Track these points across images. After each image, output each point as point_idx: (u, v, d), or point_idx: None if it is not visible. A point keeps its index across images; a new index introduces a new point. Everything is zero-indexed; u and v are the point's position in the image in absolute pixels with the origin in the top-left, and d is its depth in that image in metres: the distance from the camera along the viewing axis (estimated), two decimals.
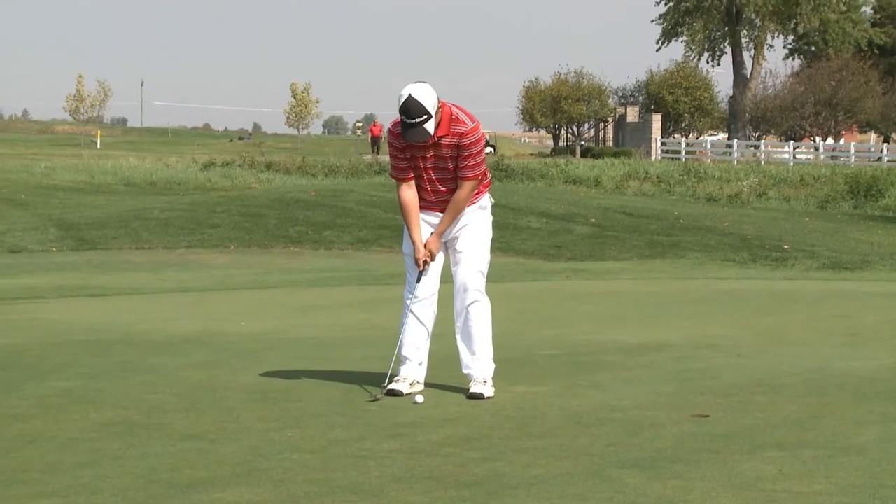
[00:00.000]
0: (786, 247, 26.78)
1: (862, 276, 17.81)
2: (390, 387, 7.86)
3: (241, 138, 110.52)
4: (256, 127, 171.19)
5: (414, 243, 7.86)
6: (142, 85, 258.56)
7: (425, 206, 7.90)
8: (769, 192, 46.98)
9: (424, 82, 7.64)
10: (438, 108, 7.65)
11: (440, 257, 7.96)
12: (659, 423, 7.05)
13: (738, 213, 38.04)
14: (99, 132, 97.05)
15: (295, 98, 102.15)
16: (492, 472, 5.92)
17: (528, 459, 6.16)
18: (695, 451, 6.33)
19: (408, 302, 7.98)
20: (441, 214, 7.88)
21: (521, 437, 6.70)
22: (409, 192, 7.85)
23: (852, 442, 6.54)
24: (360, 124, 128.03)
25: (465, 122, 7.75)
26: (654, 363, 9.26)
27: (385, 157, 53.36)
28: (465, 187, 7.81)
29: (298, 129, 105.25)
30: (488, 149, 78.39)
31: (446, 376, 8.15)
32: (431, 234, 7.87)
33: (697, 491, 5.53)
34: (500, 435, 6.77)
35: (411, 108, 7.55)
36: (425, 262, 7.85)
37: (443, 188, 7.84)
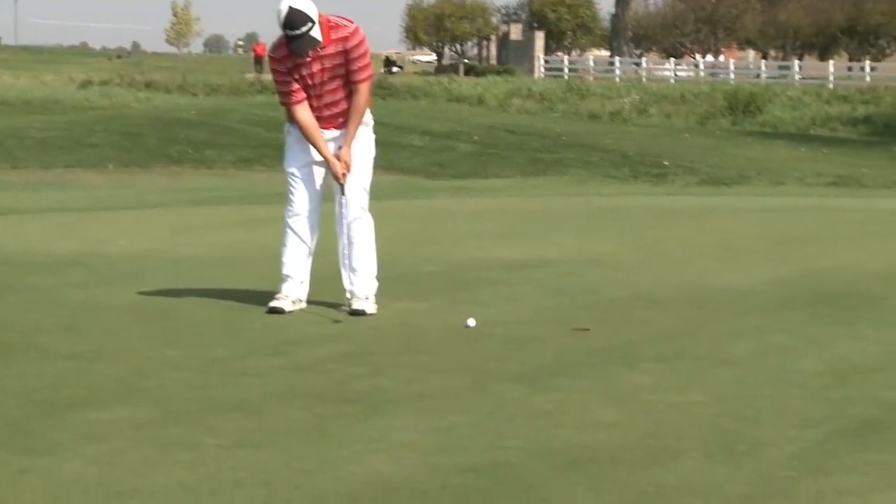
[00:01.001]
0: (666, 163, 27.03)
1: (739, 192, 18.06)
2: (271, 304, 7.83)
3: (119, 57, 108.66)
4: (135, 45, 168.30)
5: (328, 159, 7.76)
6: (15, 2, 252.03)
7: (320, 125, 7.79)
8: (650, 108, 47.33)
9: None
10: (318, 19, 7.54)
11: (323, 173, 7.89)
12: (540, 337, 7.12)
13: (620, 130, 38.30)
14: None
15: (175, 16, 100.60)
16: (374, 387, 5.94)
17: (411, 374, 6.19)
18: (575, 365, 6.41)
19: (289, 220, 7.93)
20: (337, 131, 7.80)
21: (403, 353, 6.73)
22: (306, 112, 7.72)
23: (728, 354, 6.67)
24: (241, 43, 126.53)
25: (345, 26, 7.66)
26: (536, 279, 9.33)
27: (267, 76, 52.78)
28: (362, 90, 7.73)
29: (179, 48, 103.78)
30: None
31: (328, 294, 8.12)
32: (341, 147, 7.78)
33: (576, 403, 5.60)
34: (383, 351, 6.79)
35: (295, 19, 7.42)
36: (343, 175, 7.78)
37: (334, 102, 7.74)
